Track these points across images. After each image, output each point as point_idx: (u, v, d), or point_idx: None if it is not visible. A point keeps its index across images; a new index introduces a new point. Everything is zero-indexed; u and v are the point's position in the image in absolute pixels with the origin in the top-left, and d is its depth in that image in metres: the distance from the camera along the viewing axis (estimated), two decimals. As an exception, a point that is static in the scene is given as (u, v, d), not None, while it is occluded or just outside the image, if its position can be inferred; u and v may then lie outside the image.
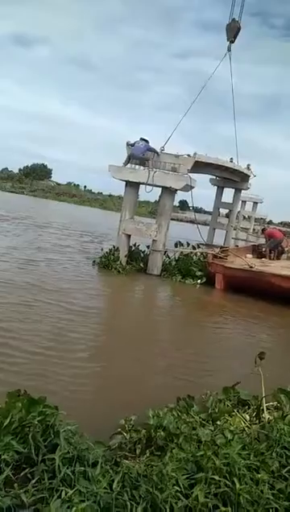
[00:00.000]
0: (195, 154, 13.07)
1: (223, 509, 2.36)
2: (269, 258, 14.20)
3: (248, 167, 21.48)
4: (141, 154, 12.69)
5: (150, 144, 12.80)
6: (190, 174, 12.98)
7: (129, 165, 13.10)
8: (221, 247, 14.70)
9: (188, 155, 12.99)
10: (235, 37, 15.14)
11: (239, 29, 14.99)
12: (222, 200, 24.87)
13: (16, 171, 71.82)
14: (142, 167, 12.96)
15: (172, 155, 12.93)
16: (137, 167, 12.98)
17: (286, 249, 17.00)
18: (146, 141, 12.83)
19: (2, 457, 2.49)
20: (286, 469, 2.73)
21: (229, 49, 15.28)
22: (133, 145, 12.77)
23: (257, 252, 15.23)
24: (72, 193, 62.89)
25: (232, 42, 15.24)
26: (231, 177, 20.86)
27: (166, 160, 12.84)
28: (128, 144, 12.97)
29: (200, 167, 14.53)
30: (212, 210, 25.99)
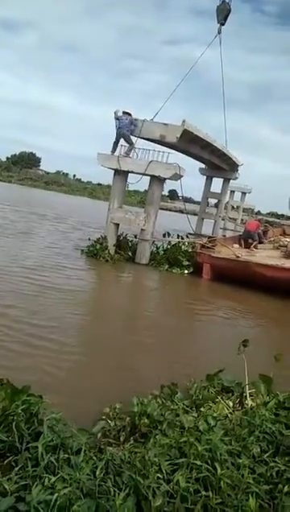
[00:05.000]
0: (184, 121, 12.82)
1: (204, 493, 2.40)
2: (243, 246, 14.19)
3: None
4: (127, 131, 12.64)
5: (132, 116, 12.79)
6: (179, 163, 12.93)
7: (117, 152, 13.02)
8: (209, 237, 14.76)
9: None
10: (225, 19, 15.11)
11: (229, 11, 14.96)
12: (211, 190, 24.89)
13: (4, 159, 70.78)
14: (130, 156, 12.93)
15: (161, 124, 12.84)
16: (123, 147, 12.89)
17: (272, 238, 17.13)
18: (128, 114, 12.80)
19: (-15, 446, 2.49)
20: (267, 454, 2.78)
21: (219, 31, 15.21)
22: (118, 118, 12.68)
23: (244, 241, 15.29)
24: (61, 182, 62.23)
25: (222, 24, 15.17)
26: (220, 164, 20.75)
27: (154, 128, 12.77)
28: (116, 115, 12.77)
29: (188, 140, 14.40)
30: (201, 200, 25.99)
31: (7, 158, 71.26)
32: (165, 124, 12.75)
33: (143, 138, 13.32)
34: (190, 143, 15.31)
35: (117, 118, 12.71)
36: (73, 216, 23.50)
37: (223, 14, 14.95)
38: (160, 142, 13.47)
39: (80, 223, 21.24)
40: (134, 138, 13.09)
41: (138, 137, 13.06)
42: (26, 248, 11.95)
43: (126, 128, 12.64)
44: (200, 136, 14.81)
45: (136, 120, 12.86)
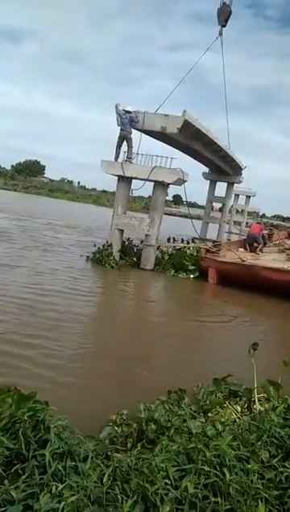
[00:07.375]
0: (184, 111, 12.82)
1: (213, 499, 2.37)
2: (249, 250, 14.15)
3: None
4: (129, 128, 12.74)
5: (133, 114, 12.85)
6: (182, 168, 12.94)
7: (120, 158, 13.07)
8: (214, 241, 14.73)
9: None
10: (226, 21, 15.16)
11: (230, 13, 14.98)
12: (215, 195, 24.89)
13: (9, 167, 71.35)
14: (132, 162, 13.00)
15: (161, 115, 12.93)
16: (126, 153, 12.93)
17: (277, 241, 17.07)
18: (129, 112, 12.82)
19: (-8, 454, 2.49)
20: (276, 459, 2.75)
21: (220, 33, 15.27)
22: (119, 113, 12.75)
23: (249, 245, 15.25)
24: (66, 189, 62.52)
25: (223, 26, 15.22)
26: (223, 166, 20.70)
27: (155, 120, 12.84)
28: (117, 109, 12.82)
29: (189, 134, 14.45)
30: (205, 204, 26.01)
31: (12, 166, 71.89)
32: (166, 115, 12.83)
33: (145, 132, 13.36)
34: (192, 139, 15.30)
35: (118, 113, 12.77)
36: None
37: (224, 16, 15.01)
38: (162, 136, 13.40)
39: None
40: (136, 140, 13.17)
41: (140, 130, 13.09)
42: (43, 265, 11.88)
43: (128, 125, 12.66)
44: (201, 130, 14.82)
45: (136, 113, 12.86)
